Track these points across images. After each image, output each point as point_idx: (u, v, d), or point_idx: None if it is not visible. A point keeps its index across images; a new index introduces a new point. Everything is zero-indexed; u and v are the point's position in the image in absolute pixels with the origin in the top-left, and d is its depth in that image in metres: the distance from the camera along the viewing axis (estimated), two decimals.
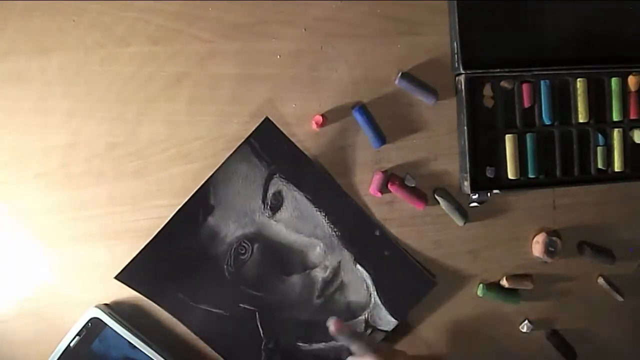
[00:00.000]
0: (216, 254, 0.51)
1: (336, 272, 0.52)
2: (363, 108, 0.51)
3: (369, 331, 0.53)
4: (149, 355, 0.48)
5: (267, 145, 0.50)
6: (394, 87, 0.52)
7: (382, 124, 0.52)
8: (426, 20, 0.52)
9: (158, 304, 0.50)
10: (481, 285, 0.54)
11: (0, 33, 0.48)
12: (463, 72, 0.51)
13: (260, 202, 0.51)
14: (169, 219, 0.50)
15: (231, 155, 0.50)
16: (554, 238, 0.53)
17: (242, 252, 0.51)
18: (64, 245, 0.50)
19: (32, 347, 0.50)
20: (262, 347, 0.52)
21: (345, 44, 0.51)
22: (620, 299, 0.56)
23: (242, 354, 0.52)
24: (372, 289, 0.53)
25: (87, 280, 0.50)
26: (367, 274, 0.52)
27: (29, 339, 0.50)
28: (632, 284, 0.57)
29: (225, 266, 0.51)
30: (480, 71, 0.51)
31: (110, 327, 0.48)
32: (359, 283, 0.53)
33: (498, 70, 0.51)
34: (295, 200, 0.51)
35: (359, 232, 0.52)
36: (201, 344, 0.52)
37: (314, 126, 0.51)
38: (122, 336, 0.48)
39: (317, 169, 0.51)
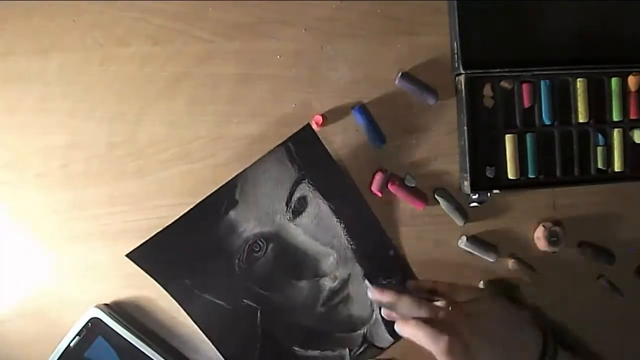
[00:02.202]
0: (231, 247, 0.51)
1: (344, 284, 0.52)
2: (363, 108, 0.51)
3: (364, 346, 0.53)
4: (149, 355, 0.48)
5: (303, 150, 0.50)
6: (394, 87, 0.52)
7: (382, 124, 0.52)
8: (426, 20, 0.52)
9: (163, 287, 0.50)
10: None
11: (0, 33, 0.48)
12: (463, 72, 0.51)
13: (284, 204, 0.51)
14: (193, 205, 0.49)
15: (265, 155, 0.50)
16: (553, 228, 0.53)
17: (257, 249, 0.51)
18: (64, 245, 0.50)
19: (32, 347, 0.50)
20: (258, 345, 0.52)
21: (345, 44, 0.51)
22: (620, 299, 0.56)
23: (237, 349, 0.52)
24: (375, 305, 0.53)
25: (87, 280, 0.50)
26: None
27: (29, 339, 0.50)
28: (632, 284, 0.57)
29: (237, 260, 0.51)
30: (480, 71, 0.51)
31: (110, 327, 0.48)
32: (365, 298, 0.53)
33: (498, 70, 0.51)
34: (318, 207, 0.51)
35: (374, 249, 0.52)
36: (201, 344, 0.52)
37: (314, 126, 0.51)
38: (122, 336, 0.48)
39: (346, 181, 0.52)
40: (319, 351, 0.52)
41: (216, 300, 0.51)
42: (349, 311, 0.53)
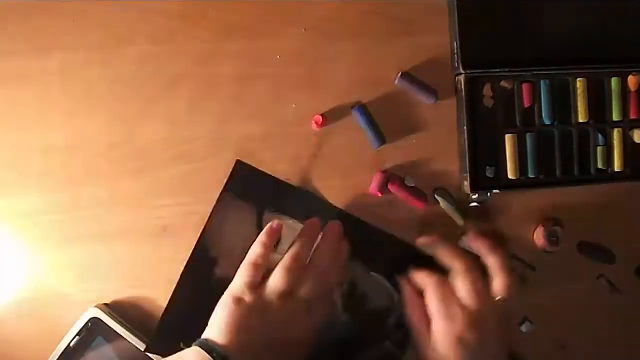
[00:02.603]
0: None
1: (353, 284, 0.52)
2: (363, 108, 0.51)
3: (402, 331, 0.51)
4: (149, 355, 0.48)
5: (246, 186, 0.50)
6: (394, 87, 0.52)
7: (382, 124, 0.52)
8: (426, 20, 0.52)
9: None
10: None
11: (0, 33, 0.48)
12: (463, 72, 0.51)
13: None
14: (175, 283, 0.49)
15: (215, 205, 0.50)
16: (553, 228, 0.53)
17: None
18: (64, 245, 0.50)
19: (32, 347, 0.50)
20: None
21: (345, 44, 0.51)
22: (620, 298, 0.56)
23: None
24: (391, 289, 0.52)
25: (87, 280, 0.50)
26: (382, 276, 0.52)
27: (29, 339, 0.50)
28: (632, 284, 0.57)
29: None
30: (480, 71, 0.51)
31: (110, 327, 0.48)
32: (379, 288, 0.52)
33: (498, 70, 0.51)
34: (292, 229, 0.51)
35: (360, 238, 0.52)
36: None
37: (314, 126, 0.51)
38: (122, 336, 0.48)
39: (303, 193, 0.51)
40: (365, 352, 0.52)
41: None
42: (372, 305, 0.52)
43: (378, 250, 0.53)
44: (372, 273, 0.52)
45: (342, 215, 0.52)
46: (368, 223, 0.52)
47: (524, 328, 0.55)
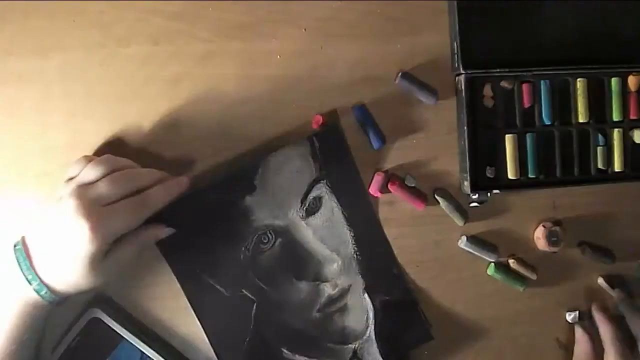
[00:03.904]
0: (240, 233, 0.50)
1: (344, 293, 0.52)
2: (363, 108, 0.51)
3: None
4: (149, 355, 0.48)
5: (327, 149, 0.50)
6: (394, 87, 0.52)
7: (382, 124, 0.52)
8: (426, 20, 0.52)
9: (167, 261, 0.50)
10: (492, 264, 0.54)
11: (0, 33, 0.48)
12: (463, 72, 0.51)
13: (299, 200, 0.51)
14: (212, 181, 0.49)
15: (290, 145, 0.50)
16: (553, 228, 0.53)
17: (265, 241, 0.51)
18: None
19: None
20: (247, 339, 0.51)
21: (345, 44, 0.51)
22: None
23: (226, 339, 0.51)
24: (371, 322, 0.52)
25: None
26: (371, 306, 0.52)
27: None
28: (632, 284, 0.57)
29: (243, 248, 0.50)
30: (480, 71, 0.51)
31: (111, 327, 0.48)
32: (361, 312, 0.52)
33: (498, 70, 0.51)
34: (331, 211, 0.51)
35: (379, 264, 0.52)
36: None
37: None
38: (122, 336, 0.48)
39: (364, 191, 0.52)
40: (306, 357, 0.52)
41: (215, 285, 0.50)
42: (344, 322, 0.52)
43: (384, 282, 0.53)
44: (366, 296, 0.52)
45: (378, 232, 0.52)
46: (394, 256, 0.53)
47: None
